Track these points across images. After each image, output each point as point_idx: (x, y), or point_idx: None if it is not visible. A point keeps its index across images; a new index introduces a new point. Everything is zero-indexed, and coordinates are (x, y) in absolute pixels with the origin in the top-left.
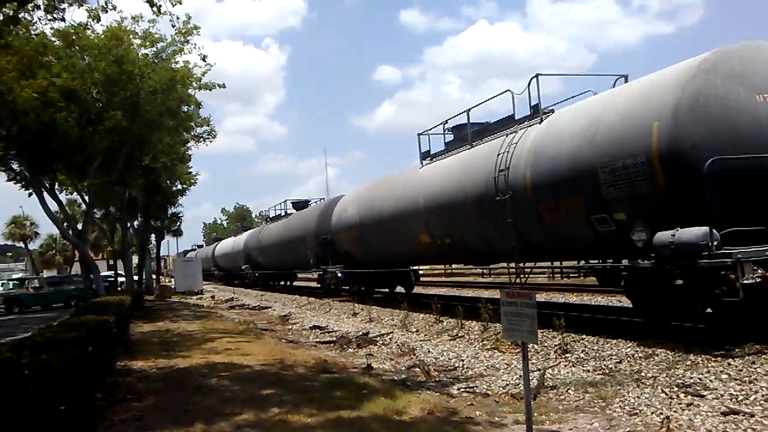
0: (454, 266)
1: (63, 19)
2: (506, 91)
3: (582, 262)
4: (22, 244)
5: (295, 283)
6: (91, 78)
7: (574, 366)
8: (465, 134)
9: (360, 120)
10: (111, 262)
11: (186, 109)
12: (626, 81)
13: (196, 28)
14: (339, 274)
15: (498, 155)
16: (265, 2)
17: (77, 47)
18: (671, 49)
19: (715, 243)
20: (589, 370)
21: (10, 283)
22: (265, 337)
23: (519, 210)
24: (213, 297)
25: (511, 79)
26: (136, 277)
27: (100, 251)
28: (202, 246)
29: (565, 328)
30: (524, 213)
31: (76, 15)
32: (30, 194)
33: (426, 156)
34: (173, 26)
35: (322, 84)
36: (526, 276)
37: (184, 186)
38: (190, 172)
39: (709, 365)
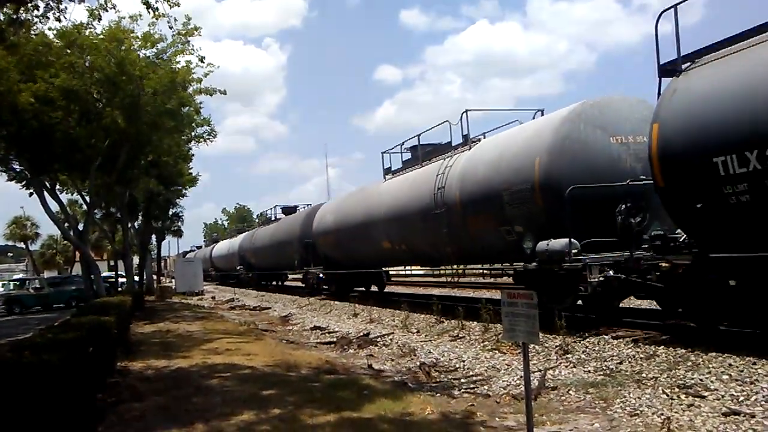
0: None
1: (59, 19)
2: (445, 121)
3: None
4: (22, 245)
5: (285, 283)
6: (91, 78)
7: (575, 367)
8: (417, 155)
9: (360, 120)
10: (112, 262)
11: (186, 110)
12: (543, 114)
13: (196, 28)
14: (320, 275)
15: (437, 175)
16: (266, 2)
17: (77, 47)
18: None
19: (573, 251)
20: (590, 371)
21: (11, 283)
22: (265, 338)
23: (452, 222)
24: (213, 297)
25: (511, 78)
26: (136, 278)
27: (101, 252)
28: (201, 247)
29: (566, 329)
30: (456, 224)
31: (76, 15)
32: (31, 194)
33: (388, 172)
34: (171, 27)
35: (323, 84)
36: (458, 276)
37: (185, 187)
38: (191, 173)
39: (710, 366)
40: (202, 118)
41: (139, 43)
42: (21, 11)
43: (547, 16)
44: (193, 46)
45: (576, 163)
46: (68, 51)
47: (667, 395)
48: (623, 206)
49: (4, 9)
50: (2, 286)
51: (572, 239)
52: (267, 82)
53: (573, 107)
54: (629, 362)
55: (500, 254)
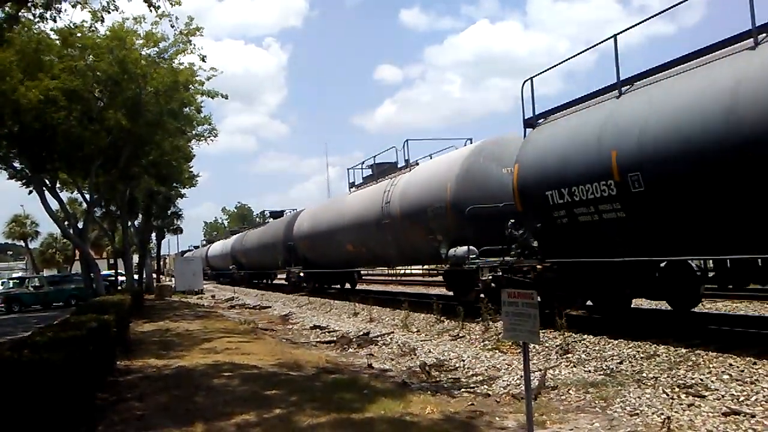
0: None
1: (54, 19)
2: (392, 147)
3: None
4: (22, 243)
5: (274, 282)
6: (92, 77)
7: (575, 366)
8: (374, 173)
9: (361, 119)
10: (111, 261)
11: (187, 110)
12: (471, 142)
13: (198, 28)
14: (300, 274)
15: (384, 192)
16: (267, 2)
17: (78, 46)
18: (673, 49)
19: (471, 256)
20: (590, 371)
21: (11, 281)
22: (265, 337)
23: (395, 230)
24: (213, 296)
25: (512, 78)
26: (136, 276)
27: (101, 250)
28: (198, 247)
29: (566, 328)
30: (398, 233)
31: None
32: (30, 192)
33: (352, 185)
34: (172, 26)
35: (323, 83)
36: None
37: (185, 186)
38: (192, 173)
39: (711, 366)
40: (203, 116)
41: (141, 42)
42: (20, 9)
43: (547, 15)
44: (194, 45)
45: (475, 188)
46: (69, 50)
47: (668, 395)
48: (510, 222)
49: (5, 8)
50: (2, 285)
51: (471, 247)
52: (268, 81)
53: (476, 144)
54: (629, 362)
55: (429, 257)
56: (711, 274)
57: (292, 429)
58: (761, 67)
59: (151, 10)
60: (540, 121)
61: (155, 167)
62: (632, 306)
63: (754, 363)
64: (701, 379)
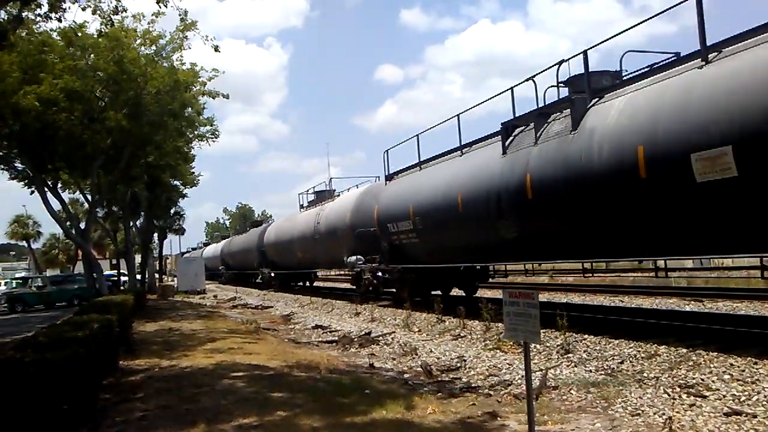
0: None
1: (60, 20)
2: (330, 179)
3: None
4: (24, 243)
5: (255, 281)
6: (93, 77)
7: (576, 366)
8: (315, 199)
9: (362, 119)
10: (114, 261)
11: (189, 111)
12: (379, 179)
13: (194, 23)
14: (271, 274)
15: (317, 215)
16: (267, 2)
17: (78, 46)
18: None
19: (359, 262)
20: (591, 371)
21: (13, 282)
22: (267, 337)
23: (323, 244)
24: (215, 296)
25: (513, 78)
26: (138, 276)
27: (103, 250)
28: (195, 249)
29: (567, 328)
30: (324, 245)
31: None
32: (32, 193)
33: (301, 207)
34: (181, 18)
35: (324, 83)
36: (319, 277)
37: (186, 186)
38: (193, 173)
39: (712, 366)
40: (205, 118)
41: (138, 41)
42: (24, 10)
43: (548, 16)
44: (205, 35)
45: (362, 217)
46: (70, 50)
47: (669, 395)
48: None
49: (7, 7)
50: (5, 285)
51: (359, 256)
52: (268, 81)
53: (364, 188)
54: (630, 362)
55: (341, 264)
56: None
57: (294, 429)
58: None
59: (159, 5)
60: (393, 176)
61: (158, 166)
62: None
63: (755, 363)
64: (702, 379)
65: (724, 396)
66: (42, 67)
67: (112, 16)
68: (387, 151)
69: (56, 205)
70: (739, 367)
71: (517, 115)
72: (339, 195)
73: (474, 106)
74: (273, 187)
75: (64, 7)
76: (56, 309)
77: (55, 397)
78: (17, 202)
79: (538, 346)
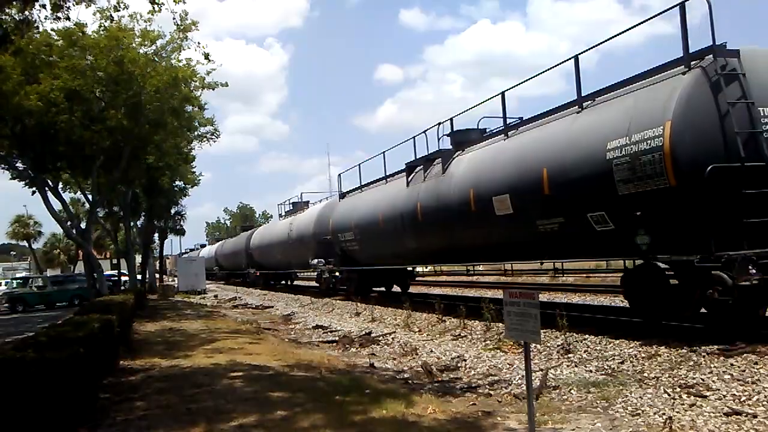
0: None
1: (68, 18)
2: (302, 195)
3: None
4: (25, 243)
5: (245, 280)
6: (93, 77)
7: (576, 366)
8: (292, 209)
9: (362, 119)
10: (114, 261)
11: (189, 110)
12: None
13: (194, 23)
14: (257, 273)
15: (290, 223)
16: (268, 2)
17: (79, 46)
18: (674, 49)
19: (320, 264)
20: (591, 371)
21: (14, 282)
22: (268, 337)
23: (295, 248)
24: (216, 296)
25: (513, 78)
26: (139, 276)
27: (104, 250)
28: (192, 250)
29: (567, 328)
30: (296, 250)
31: (82, 14)
32: (33, 193)
33: (281, 216)
34: (175, 23)
35: (324, 83)
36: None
37: (187, 186)
38: (194, 173)
39: (712, 366)
40: (206, 117)
41: (138, 41)
42: (27, 11)
43: (547, 16)
44: (198, 42)
45: (322, 227)
46: (70, 50)
47: (669, 395)
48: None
49: (9, 9)
50: (5, 285)
51: (320, 259)
52: (268, 81)
53: (324, 203)
54: (631, 362)
55: (307, 266)
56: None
57: (294, 429)
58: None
59: (153, 7)
60: (345, 195)
61: (158, 167)
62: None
63: (756, 363)
64: (702, 379)
65: (725, 396)
66: (42, 67)
67: (112, 13)
68: (340, 174)
69: (57, 205)
70: (739, 367)
71: (418, 156)
72: (309, 206)
73: (430, 128)
74: (273, 187)
75: (68, 5)
76: (57, 309)
77: (55, 397)
78: (18, 202)
79: (538, 346)
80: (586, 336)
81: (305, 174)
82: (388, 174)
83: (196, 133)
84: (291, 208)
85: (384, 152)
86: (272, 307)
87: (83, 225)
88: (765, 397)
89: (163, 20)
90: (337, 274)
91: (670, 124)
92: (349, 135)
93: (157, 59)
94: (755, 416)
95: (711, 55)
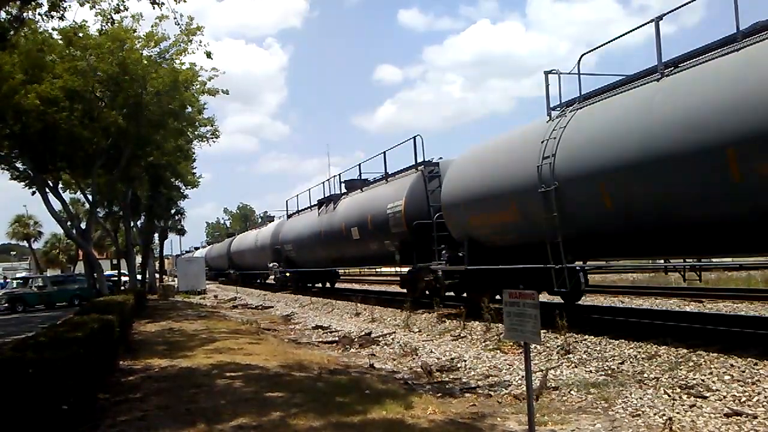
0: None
1: (62, 18)
2: (265, 211)
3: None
4: (25, 243)
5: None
6: (93, 77)
7: (576, 367)
8: (261, 222)
9: (361, 119)
10: (114, 261)
11: (189, 110)
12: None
13: (199, 28)
14: (238, 274)
15: (257, 234)
16: (267, 2)
17: (79, 46)
18: (673, 50)
19: (275, 266)
20: (591, 371)
21: (14, 282)
22: (268, 337)
23: (259, 254)
24: (216, 296)
25: (512, 78)
26: (139, 276)
27: (104, 250)
28: (190, 251)
29: (567, 329)
30: (260, 255)
31: (83, 15)
32: (34, 193)
33: (255, 226)
34: (177, 24)
35: (324, 83)
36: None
37: (187, 186)
38: (194, 173)
39: (712, 366)
40: (206, 118)
41: (142, 42)
42: (24, 10)
43: (546, 16)
44: (200, 41)
45: (276, 238)
46: (70, 50)
47: (669, 396)
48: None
49: (6, 7)
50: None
51: (275, 263)
52: (268, 81)
53: (280, 220)
54: (631, 362)
55: (267, 267)
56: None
57: (294, 429)
58: None
59: (154, 8)
60: (291, 216)
61: (157, 168)
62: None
63: (756, 363)
64: (703, 380)
65: (725, 397)
66: (42, 67)
67: (113, 15)
68: (287, 200)
69: (57, 205)
70: (739, 367)
71: (332, 193)
72: (273, 220)
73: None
74: (274, 188)
75: (64, 5)
76: (57, 309)
77: (55, 397)
78: (18, 202)
79: (538, 346)
80: (586, 336)
81: (305, 174)
82: (311, 206)
83: (196, 133)
84: (260, 220)
85: (309, 189)
86: (272, 307)
87: (83, 225)
88: (765, 397)
89: (168, 23)
90: (287, 274)
91: (405, 200)
92: (349, 135)
93: (159, 60)
94: (755, 417)
95: (423, 166)
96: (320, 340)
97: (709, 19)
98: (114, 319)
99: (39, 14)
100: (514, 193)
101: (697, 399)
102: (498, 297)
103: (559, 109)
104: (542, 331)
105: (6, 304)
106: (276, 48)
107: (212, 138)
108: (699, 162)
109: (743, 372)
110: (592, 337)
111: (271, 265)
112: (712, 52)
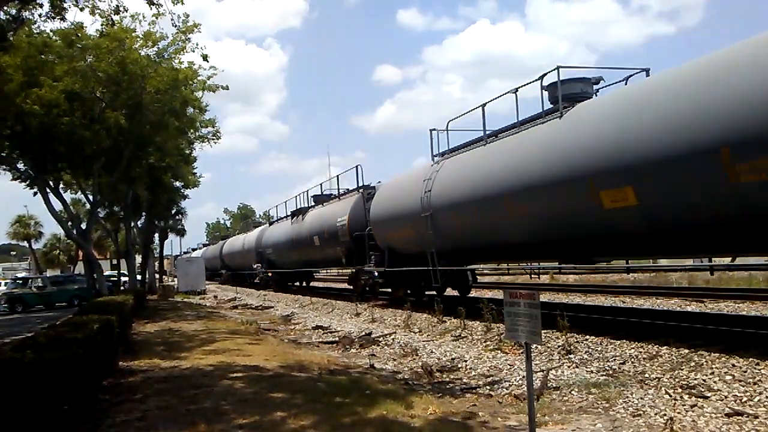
0: None
1: (63, 18)
2: (249, 219)
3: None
4: (26, 243)
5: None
6: (93, 78)
7: (577, 367)
8: (246, 227)
9: (361, 120)
10: (114, 261)
11: (190, 111)
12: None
13: (196, 25)
14: (230, 274)
15: (244, 238)
16: (266, 2)
17: (78, 47)
18: (673, 50)
19: (258, 267)
20: (592, 371)
21: (14, 282)
22: (268, 338)
23: (245, 255)
24: (215, 297)
25: (512, 79)
26: (139, 277)
27: (104, 251)
28: (187, 252)
29: (568, 329)
30: (247, 257)
31: (81, 17)
32: (35, 194)
33: (241, 232)
34: (174, 25)
35: (323, 84)
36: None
37: (187, 187)
38: (195, 174)
39: (713, 366)
40: (207, 119)
41: (140, 42)
42: (24, 10)
43: (545, 16)
44: (196, 44)
45: (259, 242)
46: (70, 50)
47: (670, 396)
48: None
49: (6, 8)
50: (5, 285)
51: (258, 264)
52: (268, 82)
53: (263, 227)
54: (632, 362)
55: (251, 268)
56: None
57: (294, 430)
58: None
59: (151, 8)
60: (272, 224)
61: (157, 169)
62: None
63: (757, 363)
64: (704, 380)
65: (726, 397)
66: (42, 69)
67: (112, 16)
68: (268, 211)
69: (58, 205)
70: (740, 367)
71: (300, 206)
72: (260, 226)
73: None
74: (274, 188)
75: (64, 6)
76: (56, 309)
77: (55, 398)
78: (19, 202)
79: (539, 346)
80: (587, 336)
81: (305, 174)
82: (287, 216)
83: (197, 134)
84: (244, 226)
85: (286, 201)
86: (272, 307)
87: (84, 225)
88: (766, 397)
89: (166, 22)
90: (269, 274)
91: (348, 216)
92: (349, 135)
93: (158, 59)
94: (756, 417)
95: (363, 189)
96: (320, 340)
97: (709, 19)
98: (114, 319)
99: (39, 15)
100: (409, 216)
101: (699, 399)
102: (409, 291)
103: (437, 156)
104: (543, 331)
105: (5, 305)
106: (276, 48)
107: (213, 139)
108: (491, 203)
109: (745, 372)
110: (593, 337)
111: (255, 266)
112: (506, 132)
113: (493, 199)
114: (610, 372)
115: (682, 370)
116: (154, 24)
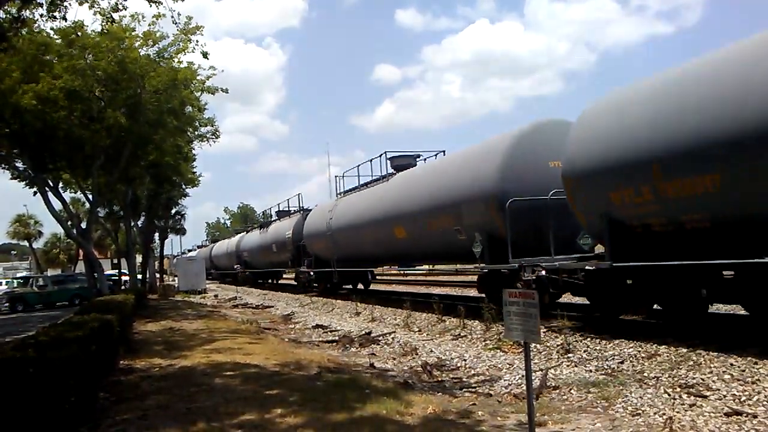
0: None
1: (65, 18)
2: (235, 230)
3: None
4: (26, 243)
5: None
6: (93, 76)
7: (576, 366)
8: (237, 227)
9: (360, 119)
10: (115, 260)
11: (189, 110)
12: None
13: (198, 27)
14: (217, 273)
15: (227, 243)
16: (266, 2)
17: (78, 46)
18: (673, 50)
19: (238, 267)
20: (591, 371)
21: (15, 281)
22: (268, 337)
23: (230, 257)
24: (216, 296)
25: (511, 78)
26: (139, 276)
27: (104, 250)
28: (187, 252)
29: (568, 328)
30: (230, 259)
31: (81, 15)
32: (35, 193)
33: (235, 233)
34: (175, 23)
35: (323, 83)
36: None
37: (187, 186)
38: (194, 173)
39: (712, 366)
40: (206, 118)
41: (140, 41)
42: (24, 10)
43: (544, 16)
44: (197, 41)
45: (241, 247)
46: (69, 50)
47: (669, 395)
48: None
49: (5, 7)
50: (6, 284)
51: (238, 265)
52: (267, 81)
53: (243, 234)
54: (631, 361)
55: (233, 268)
56: None
57: (294, 429)
58: None
59: (151, 6)
60: (247, 231)
61: (158, 167)
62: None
63: (756, 363)
64: (703, 379)
65: (725, 396)
66: (41, 67)
67: (112, 14)
68: (266, 211)
69: (57, 204)
70: (739, 367)
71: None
72: (239, 233)
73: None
74: (274, 188)
75: (65, 4)
76: (57, 309)
77: (56, 397)
78: (18, 202)
79: (538, 345)
80: (586, 336)
81: (305, 174)
82: (258, 225)
83: (196, 133)
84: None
85: (258, 214)
86: (272, 306)
87: (84, 225)
88: (765, 397)
89: (167, 22)
90: (247, 273)
91: (292, 230)
92: (349, 135)
93: (158, 59)
94: (755, 416)
95: (303, 210)
96: (320, 339)
97: (708, 19)
98: (114, 318)
99: (40, 15)
100: (322, 234)
101: (697, 398)
102: (329, 285)
103: (339, 194)
104: (542, 331)
105: (6, 304)
106: (275, 48)
107: (212, 138)
108: (357, 229)
109: (743, 371)
110: (592, 336)
111: (236, 266)
112: (370, 184)
113: (359, 227)
114: (609, 371)
115: (680, 369)
116: (154, 24)
